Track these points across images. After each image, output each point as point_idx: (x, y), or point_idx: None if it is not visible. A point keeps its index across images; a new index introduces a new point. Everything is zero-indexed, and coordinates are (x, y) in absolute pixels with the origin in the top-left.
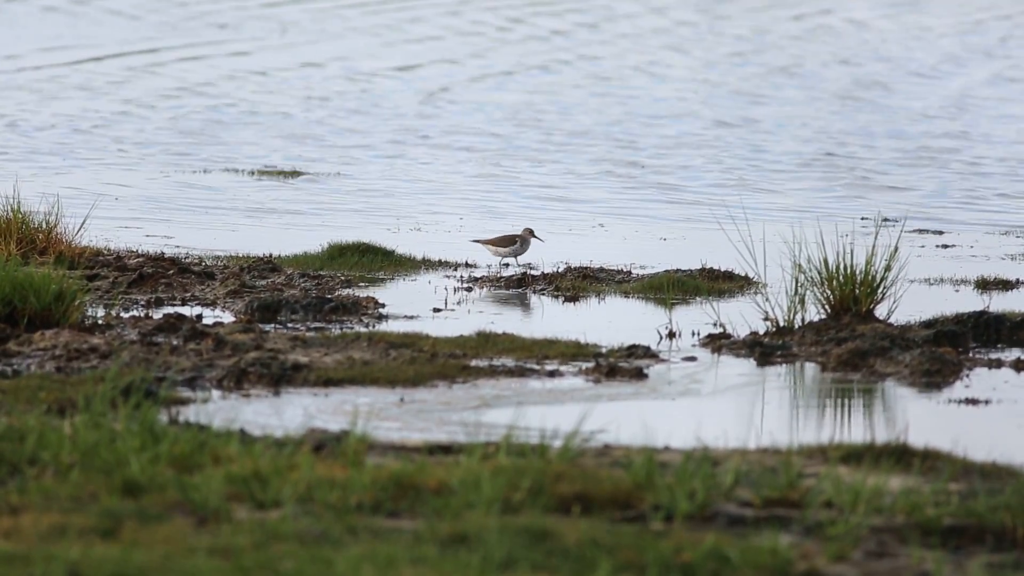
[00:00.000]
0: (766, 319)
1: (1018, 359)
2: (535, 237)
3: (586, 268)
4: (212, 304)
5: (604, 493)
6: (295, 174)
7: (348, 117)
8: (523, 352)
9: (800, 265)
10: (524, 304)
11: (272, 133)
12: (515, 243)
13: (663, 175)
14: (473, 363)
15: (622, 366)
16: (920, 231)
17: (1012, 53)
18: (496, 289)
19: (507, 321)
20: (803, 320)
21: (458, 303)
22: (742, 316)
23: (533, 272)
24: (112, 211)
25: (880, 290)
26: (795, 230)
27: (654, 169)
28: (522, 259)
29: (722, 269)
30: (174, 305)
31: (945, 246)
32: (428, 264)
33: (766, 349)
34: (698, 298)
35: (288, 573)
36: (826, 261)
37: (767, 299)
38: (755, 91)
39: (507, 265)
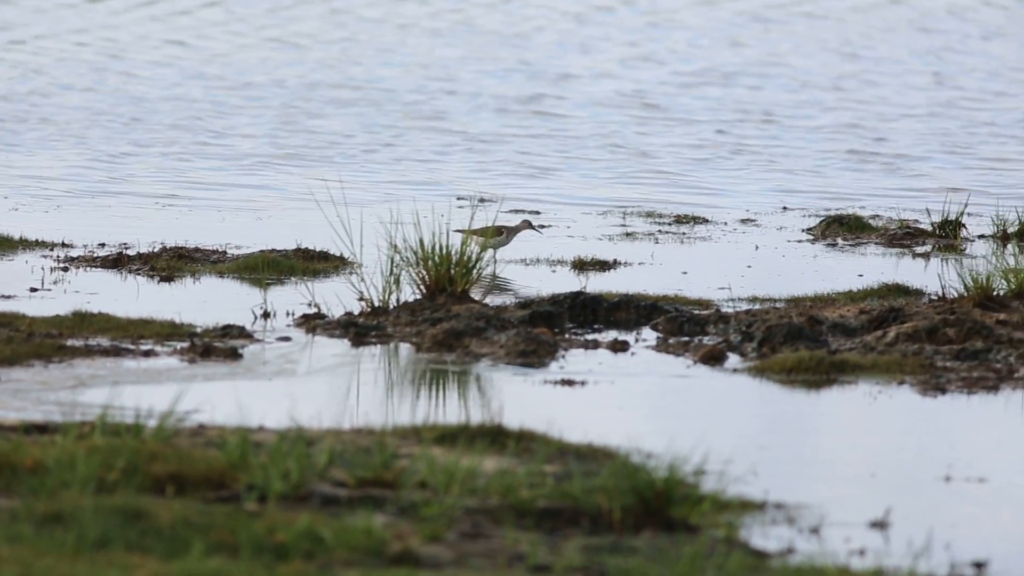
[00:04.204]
0: (361, 299)
1: (615, 340)
2: (532, 228)
3: (181, 248)
4: None
5: (198, 473)
6: None
7: None
8: (119, 332)
9: (395, 245)
10: (120, 284)
11: None
12: (501, 234)
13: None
14: (69, 343)
15: (217, 346)
16: (515, 211)
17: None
18: (92, 269)
19: (103, 301)
20: (398, 300)
21: (55, 283)
22: (337, 296)
23: (128, 252)
24: None
25: (475, 271)
26: (392, 210)
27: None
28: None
29: (317, 249)
30: None
31: (542, 226)
32: (25, 243)
33: (361, 329)
34: (293, 278)
35: None
36: (422, 241)
37: (363, 279)
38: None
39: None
